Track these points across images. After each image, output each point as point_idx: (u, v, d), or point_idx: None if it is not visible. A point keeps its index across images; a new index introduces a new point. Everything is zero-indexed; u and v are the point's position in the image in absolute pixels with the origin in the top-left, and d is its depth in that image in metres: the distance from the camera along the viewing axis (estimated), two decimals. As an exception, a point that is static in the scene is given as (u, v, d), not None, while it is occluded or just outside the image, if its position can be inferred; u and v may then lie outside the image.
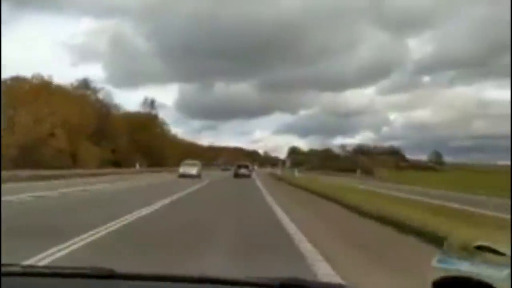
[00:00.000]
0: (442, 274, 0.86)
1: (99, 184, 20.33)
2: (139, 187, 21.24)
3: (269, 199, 15.90)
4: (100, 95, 51.32)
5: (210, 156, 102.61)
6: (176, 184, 23.33)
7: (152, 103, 70.10)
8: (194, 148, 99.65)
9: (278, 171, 47.53)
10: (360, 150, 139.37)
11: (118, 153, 48.73)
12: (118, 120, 52.32)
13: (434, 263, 0.99)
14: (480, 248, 1.06)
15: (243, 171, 37.34)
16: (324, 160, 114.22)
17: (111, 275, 1.23)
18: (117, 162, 47.66)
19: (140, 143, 59.25)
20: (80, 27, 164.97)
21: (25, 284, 1.19)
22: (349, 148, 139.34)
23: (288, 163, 79.19)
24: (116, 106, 56.38)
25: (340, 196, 15.29)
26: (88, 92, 49.14)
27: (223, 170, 63.48)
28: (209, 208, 12.58)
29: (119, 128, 49.78)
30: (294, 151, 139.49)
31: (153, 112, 71.83)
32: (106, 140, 46.31)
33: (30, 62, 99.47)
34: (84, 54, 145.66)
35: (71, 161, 36.57)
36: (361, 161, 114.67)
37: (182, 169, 33.49)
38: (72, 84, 47.18)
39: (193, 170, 32.87)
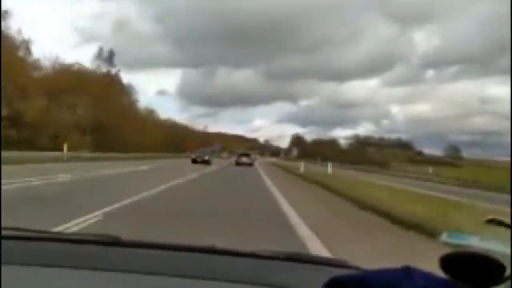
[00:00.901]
0: (450, 249, 0.78)
1: None
2: None
3: None
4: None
5: (205, 143, 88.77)
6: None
7: (110, 57, 49.75)
8: (183, 131, 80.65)
9: (301, 167, 27.89)
10: (366, 142, 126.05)
11: (26, 126, 28.28)
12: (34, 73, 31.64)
13: (443, 237, 0.94)
14: (491, 222, 1.05)
15: (244, 159, 37.69)
16: (334, 152, 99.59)
17: (116, 242, 1.23)
18: (24, 140, 27.64)
19: (83, 114, 39.31)
20: (85, 9, 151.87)
21: (27, 248, 1.15)
22: (351, 140, 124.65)
23: (295, 153, 63.54)
24: (26, 44, 33.12)
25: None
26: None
27: (195, 162, 34.85)
28: None
29: (32, 86, 28.80)
30: (298, 140, 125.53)
31: (114, 70, 51.23)
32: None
33: (33, 42, 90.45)
34: (87, 36, 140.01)
35: None
36: (370, 154, 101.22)
37: None
38: None
39: None
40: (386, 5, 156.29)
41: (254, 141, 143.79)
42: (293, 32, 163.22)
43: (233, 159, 46.67)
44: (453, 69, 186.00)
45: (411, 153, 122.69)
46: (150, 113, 70.69)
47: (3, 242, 1.12)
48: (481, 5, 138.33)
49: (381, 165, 74.07)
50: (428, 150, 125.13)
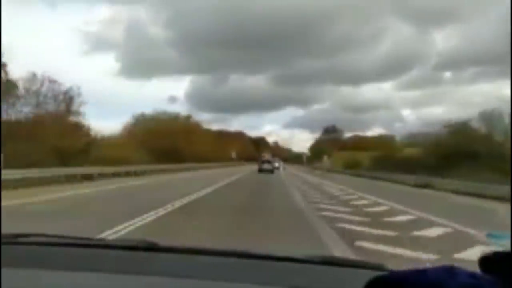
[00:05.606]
0: (491, 248, 0.85)
1: None
2: None
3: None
4: None
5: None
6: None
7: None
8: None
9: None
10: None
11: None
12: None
13: (485, 237, 0.80)
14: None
15: (266, 166, 41.03)
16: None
17: (153, 248, 1.27)
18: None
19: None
20: (95, 14, 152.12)
21: (66, 253, 1.21)
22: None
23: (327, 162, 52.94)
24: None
25: None
26: None
27: None
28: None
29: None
30: (332, 131, 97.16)
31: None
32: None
33: (42, 48, 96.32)
34: (97, 42, 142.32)
35: None
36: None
37: None
38: None
39: None
40: (404, 6, 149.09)
41: (262, 141, 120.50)
42: (306, 36, 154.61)
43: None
44: (471, 70, 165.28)
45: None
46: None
47: (46, 248, 1.22)
48: (500, 5, 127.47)
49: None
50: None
